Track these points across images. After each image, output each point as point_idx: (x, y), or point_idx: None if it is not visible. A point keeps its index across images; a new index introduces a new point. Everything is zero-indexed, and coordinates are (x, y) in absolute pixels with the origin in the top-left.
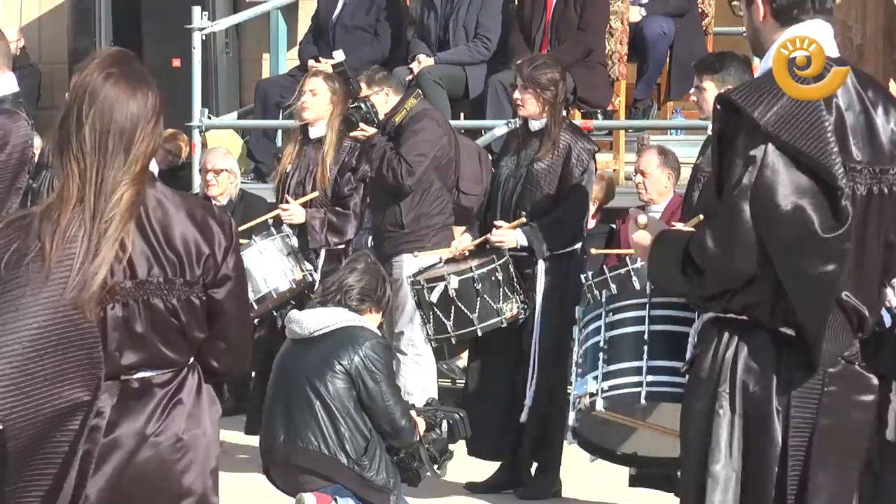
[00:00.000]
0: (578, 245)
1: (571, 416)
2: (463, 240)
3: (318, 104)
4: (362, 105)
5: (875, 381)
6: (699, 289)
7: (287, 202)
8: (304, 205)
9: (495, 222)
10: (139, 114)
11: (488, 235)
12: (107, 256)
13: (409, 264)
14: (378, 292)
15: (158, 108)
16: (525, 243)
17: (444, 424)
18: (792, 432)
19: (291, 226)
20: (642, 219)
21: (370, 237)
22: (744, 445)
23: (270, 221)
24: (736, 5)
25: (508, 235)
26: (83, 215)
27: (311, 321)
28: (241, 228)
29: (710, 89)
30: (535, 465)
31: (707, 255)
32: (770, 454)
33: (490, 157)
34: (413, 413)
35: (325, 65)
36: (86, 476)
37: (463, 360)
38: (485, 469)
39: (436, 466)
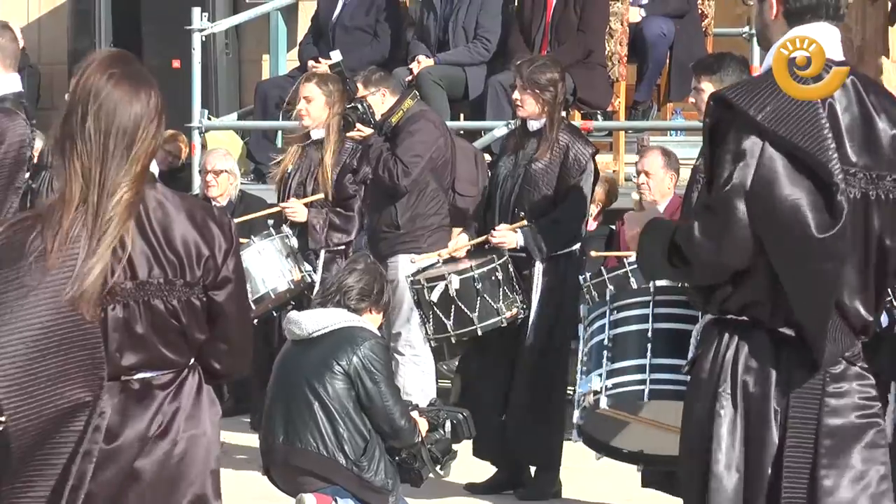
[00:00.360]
0: (577, 246)
1: (576, 414)
2: (460, 240)
3: (314, 110)
4: (359, 105)
5: (873, 381)
6: (685, 277)
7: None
8: (307, 205)
9: (495, 228)
10: (142, 114)
11: (489, 235)
12: (103, 255)
13: (404, 265)
14: (377, 293)
15: (160, 109)
16: (524, 244)
17: (448, 425)
18: (790, 432)
19: (291, 226)
20: (635, 195)
21: (366, 238)
22: (745, 445)
23: (270, 221)
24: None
25: (509, 236)
26: (86, 216)
27: (310, 322)
28: (240, 220)
29: (708, 90)
30: (534, 466)
31: (694, 246)
32: (766, 454)
33: (491, 158)
34: (415, 413)
35: (324, 65)
36: (83, 478)
37: None
38: (485, 470)
39: (438, 467)
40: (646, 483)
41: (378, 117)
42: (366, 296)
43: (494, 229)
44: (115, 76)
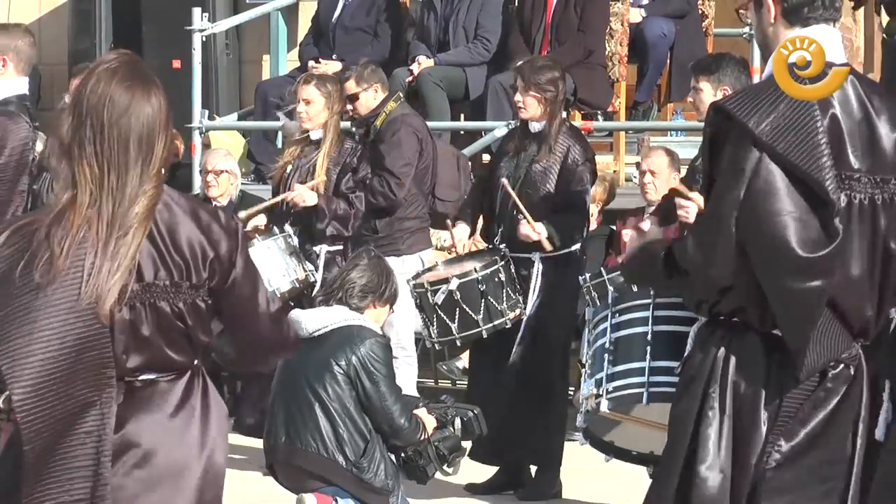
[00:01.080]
0: (577, 247)
1: (580, 418)
2: (457, 232)
3: (313, 112)
4: None
5: (862, 386)
6: (685, 288)
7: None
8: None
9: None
10: (155, 117)
11: (520, 227)
12: (125, 263)
13: None
14: (381, 287)
15: (168, 110)
16: (546, 234)
17: (458, 422)
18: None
19: (293, 225)
20: (645, 225)
21: None
22: (733, 446)
23: (276, 229)
24: (743, 13)
25: (530, 229)
26: (97, 219)
27: (310, 321)
28: (247, 213)
29: (706, 90)
30: (534, 466)
31: (688, 259)
32: (755, 455)
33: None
34: (423, 411)
35: (325, 66)
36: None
37: (462, 361)
38: (485, 470)
39: (445, 465)
40: None
41: (368, 112)
42: (369, 291)
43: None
44: (126, 80)
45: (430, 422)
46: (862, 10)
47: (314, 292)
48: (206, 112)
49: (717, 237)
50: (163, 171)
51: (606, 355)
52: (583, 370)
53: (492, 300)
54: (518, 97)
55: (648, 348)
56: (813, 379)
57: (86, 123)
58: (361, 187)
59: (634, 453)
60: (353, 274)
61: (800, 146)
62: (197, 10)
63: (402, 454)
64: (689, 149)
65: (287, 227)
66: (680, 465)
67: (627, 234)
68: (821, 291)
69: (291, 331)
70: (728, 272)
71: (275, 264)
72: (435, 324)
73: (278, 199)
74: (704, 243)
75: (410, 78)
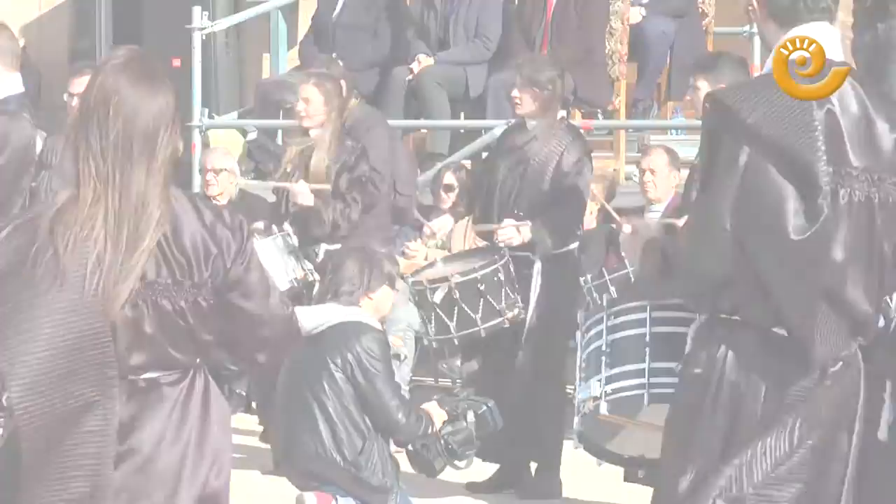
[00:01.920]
0: (575, 246)
1: (576, 420)
2: (443, 224)
3: (313, 111)
4: None
5: (861, 385)
6: (672, 290)
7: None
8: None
9: (500, 226)
10: (162, 115)
11: (494, 232)
12: (139, 268)
13: None
14: (364, 277)
15: (175, 109)
16: (531, 238)
17: (470, 415)
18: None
19: (291, 224)
20: (627, 228)
21: None
22: (729, 445)
23: (274, 228)
24: (752, 10)
25: (514, 234)
26: (102, 217)
27: (307, 320)
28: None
29: (704, 89)
30: (534, 464)
31: (678, 253)
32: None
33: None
34: (434, 404)
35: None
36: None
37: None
38: (485, 469)
39: (455, 459)
40: (628, 477)
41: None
42: (356, 284)
43: (500, 227)
44: (135, 78)
45: (438, 415)
46: None
47: (314, 292)
48: (206, 111)
49: (709, 230)
50: (168, 168)
51: (603, 358)
52: (577, 374)
53: (490, 300)
54: (515, 92)
55: (647, 349)
56: (813, 377)
57: (93, 119)
58: (358, 186)
59: (626, 457)
60: (340, 271)
61: (792, 132)
62: (197, 9)
63: (411, 447)
64: (689, 147)
65: (286, 227)
66: (680, 461)
67: (627, 229)
68: (815, 276)
69: (297, 324)
70: (719, 263)
71: (273, 264)
72: (433, 322)
73: (282, 184)
74: (696, 236)
75: (411, 77)
